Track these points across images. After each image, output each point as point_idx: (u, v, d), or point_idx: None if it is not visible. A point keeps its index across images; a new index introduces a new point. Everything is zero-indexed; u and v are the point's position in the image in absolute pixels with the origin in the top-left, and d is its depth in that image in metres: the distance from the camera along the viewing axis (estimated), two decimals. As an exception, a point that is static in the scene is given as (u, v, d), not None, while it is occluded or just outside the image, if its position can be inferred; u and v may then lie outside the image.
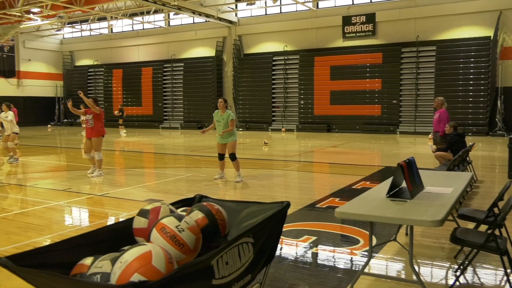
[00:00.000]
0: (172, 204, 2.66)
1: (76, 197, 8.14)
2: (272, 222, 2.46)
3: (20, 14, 24.76)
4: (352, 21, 23.66)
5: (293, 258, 4.73)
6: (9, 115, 12.81)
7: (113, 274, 1.75)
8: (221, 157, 9.48)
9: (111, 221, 6.55)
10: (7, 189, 8.99)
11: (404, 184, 3.94)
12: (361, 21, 23.37)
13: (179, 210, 2.59)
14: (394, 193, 3.87)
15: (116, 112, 25.74)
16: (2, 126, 13.87)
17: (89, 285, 1.76)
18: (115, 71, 31.78)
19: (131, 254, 1.76)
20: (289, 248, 5.02)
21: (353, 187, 8.62)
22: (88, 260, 2.07)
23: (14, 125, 12.93)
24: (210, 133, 9.55)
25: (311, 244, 5.16)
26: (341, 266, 4.52)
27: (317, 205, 7.11)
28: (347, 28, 23.84)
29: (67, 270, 2.09)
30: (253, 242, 2.21)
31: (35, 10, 24.80)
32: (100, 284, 1.74)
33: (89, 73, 33.39)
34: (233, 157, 9.19)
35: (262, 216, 2.58)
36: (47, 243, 5.50)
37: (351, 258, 4.73)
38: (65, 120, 33.42)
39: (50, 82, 33.81)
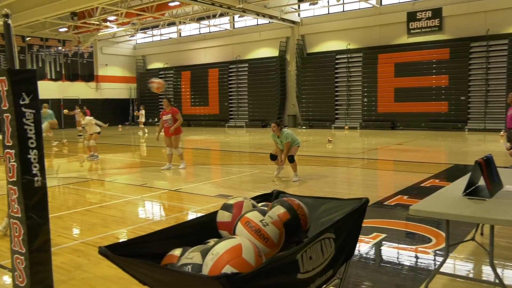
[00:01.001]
0: (252, 198, 2.68)
1: (151, 192, 8.44)
2: (352, 219, 2.41)
3: (98, 23, 26.10)
4: (417, 17, 22.76)
5: (363, 255, 4.62)
6: (86, 120, 13.53)
7: (205, 266, 1.78)
8: (273, 157, 9.23)
9: (184, 214, 6.73)
10: (90, 184, 9.49)
11: (481, 182, 3.72)
12: (427, 16, 22.43)
13: (259, 205, 2.60)
14: (471, 192, 3.66)
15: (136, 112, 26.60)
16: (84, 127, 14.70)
17: (184, 275, 1.80)
18: (183, 73, 32.68)
19: (222, 247, 1.78)
20: (359, 245, 4.91)
21: (422, 185, 8.29)
22: (177, 251, 2.13)
23: (94, 126, 13.66)
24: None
25: (380, 242, 5.01)
26: (413, 265, 4.36)
27: (385, 203, 6.91)
28: (412, 24, 22.99)
29: (157, 260, 2.15)
30: (334, 238, 2.17)
31: (111, 18, 26.06)
32: (194, 274, 1.78)
33: (160, 76, 34.57)
34: (291, 159, 8.87)
35: (340, 212, 2.53)
36: (127, 233, 5.75)
37: (423, 256, 4.55)
38: (138, 120, 34.80)
39: (124, 85, 35.36)
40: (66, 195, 8.58)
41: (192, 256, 1.94)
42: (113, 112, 33.49)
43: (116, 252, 1.95)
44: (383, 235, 5.23)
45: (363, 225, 5.41)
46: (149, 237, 2.23)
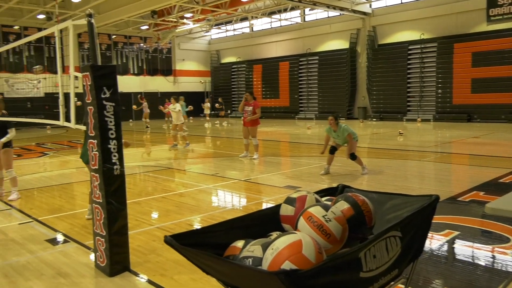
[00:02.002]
0: (316, 193, 2.60)
1: (223, 181, 8.59)
2: (420, 217, 2.26)
3: (176, 20, 26.94)
4: (499, 3, 21.04)
5: (434, 253, 4.37)
6: (177, 107, 14.01)
7: (265, 260, 1.74)
8: (333, 150, 8.77)
9: (252, 204, 6.76)
10: (167, 172, 9.84)
11: None
12: (510, 1, 20.68)
13: (323, 200, 2.52)
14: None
15: (217, 105, 26.81)
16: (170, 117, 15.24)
17: (243, 268, 1.78)
18: (255, 66, 32.90)
19: (281, 242, 1.74)
20: (430, 242, 4.65)
21: (500, 180, 7.70)
22: (240, 243, 2.11)
23: (180, 115, 14.14)
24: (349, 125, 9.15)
25: (453, 239, 4.71)
26: (489, 265, 4.05)
27: (459, 199, 6.49)
28: (492, 11, 21.30)
29: (221, 250, 2.15)
30: (401, 236, 2.04)
31: (188, 15, 26.77)
32: (253, 269, 1.75)
33: (232, 69, 35.07)
34: (353, 157, 8.56)
35: (408, 209, 2.38)
36: (199, 221, 5.88)
37: (501, 257, 4.21)
38: (212, 112, 35.63)
39: (199, 79, 36.27)
40: (145, 182, 8.97)
41: (253, 249, 1.91)
42: (189, 104, 34.42)
43: (182, 242, 1.97)
44: (456, 233, 4.91)
45: (434, 221, 5.12)
46: (214, 227, 2.23)
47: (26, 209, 6.65)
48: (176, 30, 30.34)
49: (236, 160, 11.22)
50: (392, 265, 2.01)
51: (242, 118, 11.42)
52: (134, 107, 24.39)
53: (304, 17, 29.91)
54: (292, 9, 28.39)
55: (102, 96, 3.87)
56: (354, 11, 25.29)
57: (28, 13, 24.88)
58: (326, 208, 2.08)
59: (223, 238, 2.17)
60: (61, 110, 4.64)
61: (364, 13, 25.99)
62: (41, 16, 25.49)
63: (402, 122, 23.57)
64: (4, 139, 7.01)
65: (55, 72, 23.16)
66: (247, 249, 1.94)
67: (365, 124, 22.83)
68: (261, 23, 32.78)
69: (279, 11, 28.90)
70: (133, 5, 22.58)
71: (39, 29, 26.97)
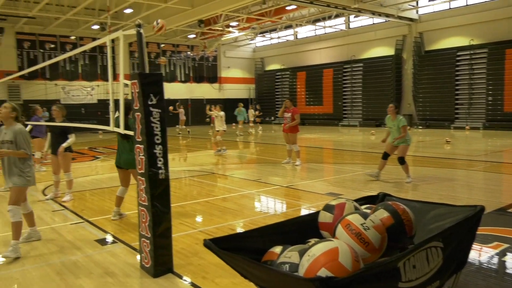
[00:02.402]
0: (356, 200, 2.56)
1: (265, 187, 8.61)
2: (464, 228, 2.17)
3: (221, 29, 27.36)
4: (554, 7, 19.98)
5: (482, 265, 4.18)
6: (220, 115, 14.27)
7: (301, 266, 1.73)
8: (385, 156, 8.75)
9: (293, 211, 6.73)
10: (211, 177, 9.98)
11: None
12: None
13: (362, 207, 2.47)
14: None
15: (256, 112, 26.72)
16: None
17: (279, 274, 1.78)
18: (299, 73, 32.82)
19: (318, 249, 1.72)
20: (477, 254, 4.46)
21: (555, 192, 7.27)
22: (277, 249, 2.11)
23: (223, 123, 14.36)
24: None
25: (503, 252, 4.49)
26: (542, 280, 3.83)
27: (509, 210, 6.18)
28: (547, 16, 20.24)
29: (259, 255, 2.16)
30: (442, 247, 1.97)
31: (234, 24, 27.13)
32: (289, 274, 1.75)
33: (276, 76, 35.15)
34: (401, 161, 8.43)
35: (451, 219, 2.29)
36: (241, 226, 5.92)
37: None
38: (257, 118, 35.80)
39: (244, 86, 36.60)
40: (190, 187, 9.13)
41: (291, 255, 1.91)
42: (234, 111, 34.81)
43: (220, 245, 2.00)
44: (506, 245, 4.68)
45: (481, 232, 4.90)
46: (252, 232, 2.24)
47: (78, 210, 6.94)
48: (222, 39, 30.82)
49: (279, 166, 11.22)
50: (433, 276, 1.94)
51: (282, 124, 11.48)
52: (171, 108, 25.00)
53: (349, 24, 29.57)
54: (337, 16, 28.15)
55: (149, 102, 3.99)
56: (400, 18, 24.75)
57: (83, 24, 26.04)
58: (364, 216, 2.04)
59: (261, 243, 2.18)
60: (111, 116, 4.82)
61: (411, 19, 25.37)
62: (96, 27, 26.61)
63: (450, 130, 22.75)
64: (65, 144, 7.37)
65: (107, 80, 24.10)
66: (284, 255, 1.94)
67: (411, 131, 22.14)
68: (305, 31, 32.70)
69: (324, 19, 28.73)
70: (181, 15, 23.15)
71: (94, 39, 28.14)
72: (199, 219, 6.43)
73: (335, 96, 30.24)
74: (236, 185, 8.96)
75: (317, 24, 29.43)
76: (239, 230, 5.71)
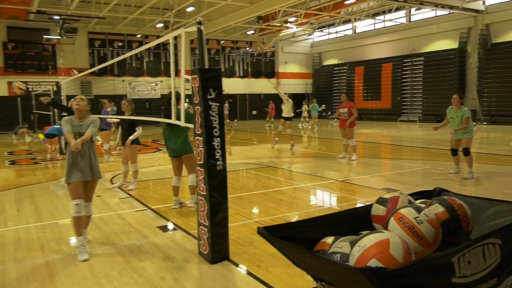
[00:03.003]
0: (411, 195, 2.50)
1: (320, 181, 8.55)
2: (525, 225, 2.06)
3: (280, 24, 27.33)
4: None
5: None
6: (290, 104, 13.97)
7: (352, 256, 1.73)
8: (454, 152, 8.55)
9: (348, 205, 6.65)
10: (267, 170, 10.06)
11: None
12: None
13: (417, 202, 2.41)
14: None
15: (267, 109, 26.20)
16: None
17: (330, 263, 1.78)
18: (357, 68, 32.12)
19: (369, 240, 1.71)
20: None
21: None
22: (329, 239, 2.12)
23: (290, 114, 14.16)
24: (448, 127, 8.69)
25: None
26: None
27: None
28: None
29: (310, 245, 2.18)
30: (501, 244, 1.89)
31: (292, 19, 27.00)
32: (339, 263, 1.75)
33: (334, 71, 34.62)
34: (466, 152, 8.15)
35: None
36: (295, 218, 5.94)
37: None
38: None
39: (301, 81, 36.39)
40: (247, 179, 9.26)
41: (342, 245, 1.91)
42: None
43: (273, 234, 2.03)
44: None
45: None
46: (305, 222, 2.26)
47: (142, 198, 7.27)
48: (280, 34, 30.78)
49: (335, 161, 11.10)
50: (489, 273, 1.86)
51: (339, 120, 11.33)
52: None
53: (410, 17, 28.48)
54: (397, 9, 27.21)
55: (208, 97, 4.10)
56: (465, 9, 23.47)
57: (148, 23, 27.03)
58: (418, 210, 1.99)
59: (313, 234, 2.19)
60: (173, 109, 5.00)
61: (476, 11, 23.98)
62: (160, 25, 27.53)
63: (517, 126, 21.36)
64: (132, 137, 7.76)
65: (170, 76, 24.88)
66: (335, 245, 1.95)
67: (475, 127, 21.11)
68: (364, 25, 31.91)
69: (383, 12, 27.88)
70: (240, 11, 23.39)
71: (158, 37, 29.12)
72: (255, 210, 6.52)
73: (393, 91, 29.31)
74: (292, 178, 8.98)
75: (376, 18, 28.61)
76: (288, 221, 5.73)
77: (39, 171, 10.49)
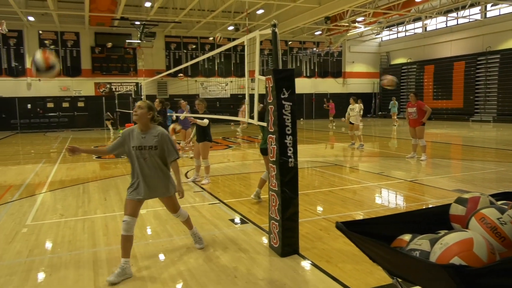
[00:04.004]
0: (492, 195, 2.38)
1: (388, 180, 8.32)
2: None
3: (347, 24, 26.81)
4: None
5: None
6: (356, 108, 13.93)
7: (433, 253, 1.69)
8: None
9: (417, 205, 6.41)
10: (333, 169, 9.96)
11: None
12: None
13: (498, 203, 2.30)
14: None
15: (325, 106, 25.00)
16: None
17: (413, 259, 1.76)
18: (426, 67, 30.70)
19: (451, 238, 1.67)
20: None
21: None
22: (406, 237, 2.08)
23: (359, 117, 14.04)
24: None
25: None
26: None
27: None
28: None
29: (385, 241, 2.15)
30: None
31: (360, 19, 26.38)
32: (423, 260, 1.72)
33: (402, 71, 33.36)
34: None
35: None
36: (362, 216, 5.83)
37: None
38: (380, 112, 34.49)
39: (368, 80, 35.47)
40: (313, 176, 9.23)
41: (421, 243, 1.87)
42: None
43: (351, 229, 2.04)
44: None
45: None
46: (382, 219, 2.24)
47: (214, 192, 7.51)
48: (348, 34, 30.20)
49: (403, 161, 10.73)
50: None
51: (408, 119, 10.92)
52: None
53: (485, 14, 26.72)
54: (471, 5, 25.65)
55: (282, 96, 4.16)
56: (548, 3, 21.62)
57: (220, 26, 27.69)
58: (501, 211, 1.90)
59: (389, 231, 2.16)
60: (246, 108, 5.11)
61: (561, 4, 22.01)
62: (231, 28, 28.10)
63: None
64: (199, 121, 7.96)
65: (240, 76, 25.43)
66: (414, 242, 1.91)
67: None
68: (435, 23, 30.40)
69: (456, 9, 26.40)
70: (308, 12, 23.27)
71: (229, 39, 29.85)
72: (322, 207, 6.49)
73: (466, 90, 27.66)
74: (358, 177, 8.82)
75: (449, 15, 27.15)
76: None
77: (121, 164, 11.18)
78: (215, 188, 7.94)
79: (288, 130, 4.21)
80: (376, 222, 2.23)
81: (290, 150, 4.23)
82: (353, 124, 13.80)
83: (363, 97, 34.87)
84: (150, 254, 4.54)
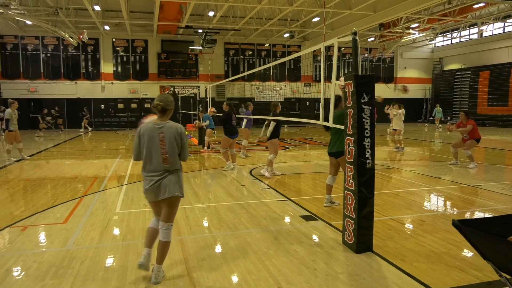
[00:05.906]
0: None
1: (449, 185, 8.05)
2: None
3: (401, 31, 26.07)
4: None
5: None
6: (399, 112, 13.73)
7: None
8: None
9: (487, 210, 6.16)
10: (392, 171, 9.76)
11: None
12: None
13: None
14: None
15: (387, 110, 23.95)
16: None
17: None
18: (481, 73, 29.20)
19: None
20: None
21: None
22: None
23: (401, 121, 13.80)
24: None
25: None
26: None
27: None
28: None
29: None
30: None
31: (414, 25, 25.56)
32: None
33: (455, 77, 31.94)
34: None
35: None
36: (429, 217, 5.70)
37: None
38: (431, 118, 33.20)
39: (419, 86, 34.26)
40: (376, 179, 9.09)
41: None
42: (408, 111, 32.96)
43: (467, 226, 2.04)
44: None
45: None
46: (493, 219, 2.21)
47: (280, 190, 7.61)
48: (401, 40, 29.36)
49: (454, 166, 10.31)
50: None
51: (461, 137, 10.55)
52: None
53: (546, 19, 25.04)
54: (532, 11, 24.10)
55: (362, 100, 4.18)
56: None
57: (276, 33, 27.85)
58: None
59: (503, 230, 2.14)
60: (321, 111, 5.17)
61: None
62: (286, 35, 28.18)
63: None
64: (268, 132, 8.46)
65: (293, 81, 25.35)
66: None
67: None
68: (491, 28, 28.85)
69: (515, 15, 24.93)
70: (363, 20, 22.87)
71: (283, 46, 29.93)
72: (388, 208, 6.40)
73: (523, 96, 26.05)
74: (418, 180, 8.58)
75: (507, 21, 25.69)
76: (428, 221, 5.51)
77: (192, 160, 11.55)
78: (281, 186, 8.03)
79: (367, 133, 4.22)
80: (488, 222, 2.21)
81: (368, 152, 4.24)
82: (395, 130, 13.68)
83: (414, 103, 33.86)
84: (231, 242, 4.70)
